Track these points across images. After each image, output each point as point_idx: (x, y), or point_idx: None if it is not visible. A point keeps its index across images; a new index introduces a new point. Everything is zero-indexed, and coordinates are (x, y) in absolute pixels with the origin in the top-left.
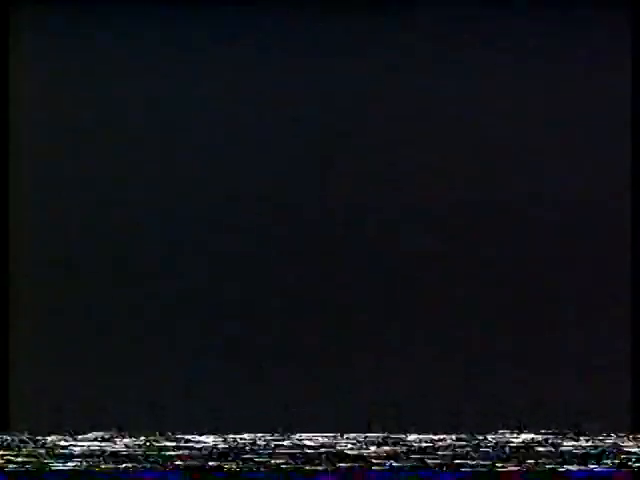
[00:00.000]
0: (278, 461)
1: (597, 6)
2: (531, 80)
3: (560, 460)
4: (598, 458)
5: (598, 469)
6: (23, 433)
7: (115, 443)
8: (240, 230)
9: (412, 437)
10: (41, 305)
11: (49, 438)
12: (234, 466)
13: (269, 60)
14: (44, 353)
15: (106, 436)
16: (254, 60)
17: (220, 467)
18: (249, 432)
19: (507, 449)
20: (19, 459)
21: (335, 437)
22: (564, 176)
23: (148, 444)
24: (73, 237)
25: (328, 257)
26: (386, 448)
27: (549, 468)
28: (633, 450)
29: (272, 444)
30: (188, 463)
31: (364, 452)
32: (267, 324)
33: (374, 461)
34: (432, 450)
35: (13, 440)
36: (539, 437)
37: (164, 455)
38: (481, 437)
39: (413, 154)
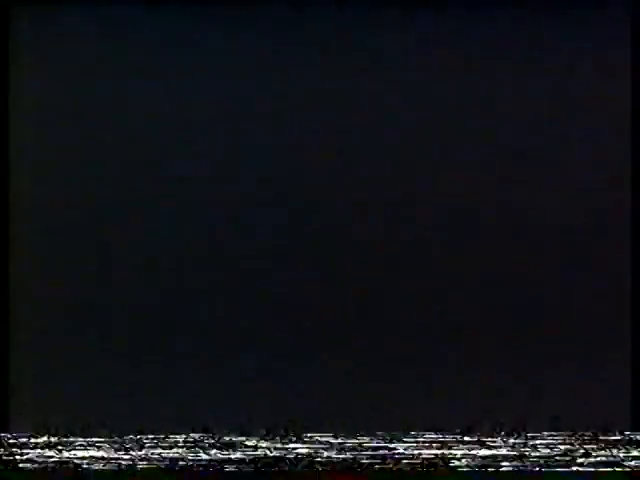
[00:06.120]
0: None
1: (597, 6)
2: (531, 80)
3: None
4: None
5: None
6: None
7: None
8: (240, 230)
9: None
10: (41, 305)
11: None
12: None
13: (269, 60)
14: (44, 352)
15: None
16: (254, 60)
17: None
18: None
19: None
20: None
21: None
22: (564, 176)
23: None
24: (73, 237)
25: (329, 258)
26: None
27: None
28: None
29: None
30: None
31: None
32: (267, 324)
33: None
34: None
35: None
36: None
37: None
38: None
39: (413, 154)
